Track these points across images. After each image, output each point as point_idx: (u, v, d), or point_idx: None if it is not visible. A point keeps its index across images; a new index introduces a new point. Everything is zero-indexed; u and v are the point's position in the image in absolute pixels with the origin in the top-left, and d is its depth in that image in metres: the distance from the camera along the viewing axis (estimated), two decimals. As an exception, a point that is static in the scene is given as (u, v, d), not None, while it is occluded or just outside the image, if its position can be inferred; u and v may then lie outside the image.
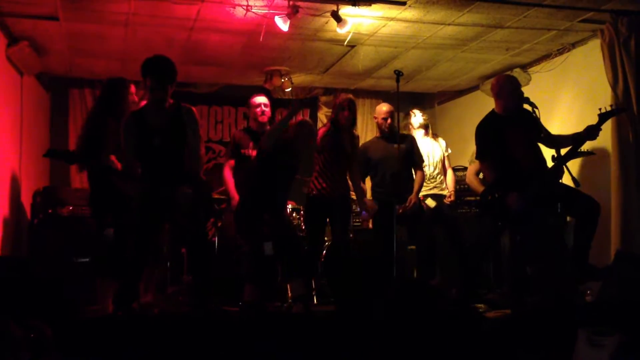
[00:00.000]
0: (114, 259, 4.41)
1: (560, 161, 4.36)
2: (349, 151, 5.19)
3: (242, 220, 4.80)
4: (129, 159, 4.26)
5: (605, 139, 5.25)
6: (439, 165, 5.90)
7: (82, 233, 5.38)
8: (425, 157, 5.77)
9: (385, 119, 5.45)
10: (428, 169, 5.82)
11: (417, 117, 5.99)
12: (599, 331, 1.78)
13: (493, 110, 4.78)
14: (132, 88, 4.79)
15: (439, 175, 5.88)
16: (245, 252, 4.91)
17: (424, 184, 5.76)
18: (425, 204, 5.73)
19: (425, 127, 5.97)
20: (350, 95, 5.28)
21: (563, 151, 4.46)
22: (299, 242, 5.14)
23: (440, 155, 5.94)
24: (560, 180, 4.44)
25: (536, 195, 4.37)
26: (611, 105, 4.79)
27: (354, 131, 5.35)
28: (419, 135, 5.91)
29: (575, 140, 4.46)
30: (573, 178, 4.27)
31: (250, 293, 4.75)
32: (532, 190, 4.38)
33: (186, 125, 4.18)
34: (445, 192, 5.84)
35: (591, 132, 4.46)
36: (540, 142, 4.68)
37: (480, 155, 4.80)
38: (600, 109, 4.52)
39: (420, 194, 5.73)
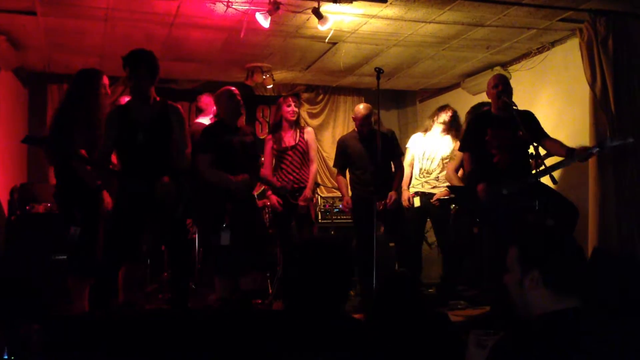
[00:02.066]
0: (84, 257, 4.29)
1: (543, 172, 4.40)
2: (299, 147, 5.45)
3: (204, 208, 4.73)
4: (104, 152, 4.20)
5: (583, 137, 5.32)
6: (441, 163, 5.77)
7: (60, 230, 5.32)
8: (424, 151, 5.79)
9: (362, 125, 5.38)
10: (425, 163, 5.78)
11: (443, 116, 5.89)
12: (487, 332, 1.85)
13: (489, 107, 4.86)
14: (105, 80, 4.60)
15: (436, 172, 5.76)
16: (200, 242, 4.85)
17: (417, 178, 5.78)
18: (412, 200, 5.75)
19: (445, 124, 5.85)
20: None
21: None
22: (262, 235, 5.07)
23: (446, 153, 5.79)
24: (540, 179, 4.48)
25: (507, 193, 4.43)
26: (616, 134, 4.82)
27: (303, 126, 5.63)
28: (437, 130, 5.87)
29: (567, 156, 4.45)
30: (551, 176, 4.30)
31: (223, 287, 4.69)
32: (504, 186, 4.44)
33: (172, 123, 4.16)
34: (436, 191, 5.71)
35: (585, 154, 4.41)
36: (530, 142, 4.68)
37: (462, 146, 4.91)
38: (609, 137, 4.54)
39: (412, 190, 5.76)
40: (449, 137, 5.85)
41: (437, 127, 5.86)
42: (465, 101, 7.24)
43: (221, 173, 4.61)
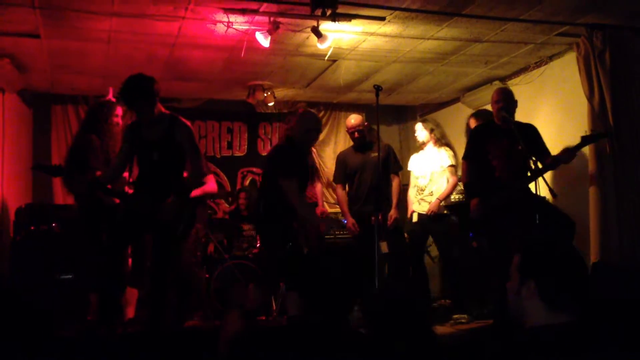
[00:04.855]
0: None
1: (532, 176, 4.45)
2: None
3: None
4: (114, 166, 4.34)
5: (583, 150, 5.34)
6: (434, 177, 5.83)
7: (65, 250, 5.37)
8: (419, 170, 5.82)
9: (352, 133, 5.56)
10: (420, 181, 5.84)
11: (418, 133, 5.99)
12: None
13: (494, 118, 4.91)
14: (119, 110, 4.91)
15: (429, 187, 5.82)
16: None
17: (415, 196, 5.81)
18: (412, 216, 5.80)
19: (433, 137, 5.94)
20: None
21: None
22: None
23: (438, 166, 5.86)
24: (538, 193, 4.51)
25: (502, 205, 4.46)
26: (592, 130, 4.92)
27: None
28: (429, 145, 5.95)
29: (551, 162, 4.57)
30: (550, 189, 4.34)
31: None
32: (497, 200, 4.48)
33: (182, 142, 4.15)
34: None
35: (568, 154, 4.51)
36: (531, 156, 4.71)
37: (464, 155, 4.97)
38: (585, 131, 4.59)
39: (413, 207, 5.79)
40: (438, 150, 5.93)
41: (430, 142, 5.95)
42: (465, 115, 7.25)
43: (312, 209, 4.65)
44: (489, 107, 5.36)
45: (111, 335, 4.20)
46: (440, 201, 5.74)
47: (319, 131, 4.79)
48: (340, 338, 2.07)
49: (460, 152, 6.00)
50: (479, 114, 6.17)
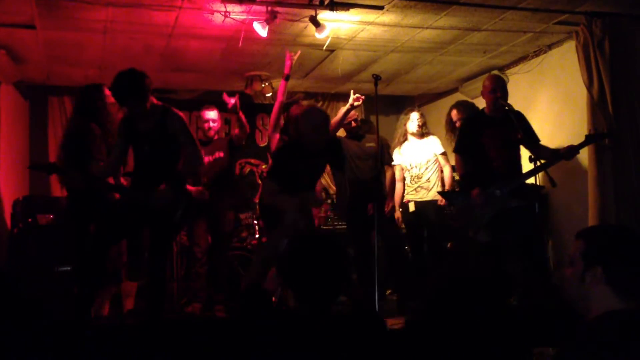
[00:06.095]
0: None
1: (532, 172, 4.44)
2: None
3: None
4: (110, 161, 4.31)
5: (582, 139, 5.33)
6: (430, 165, 5.76)
7: (63, 242, 5.34)
8: (410, 162, 5.78)
9: (348, 123, 5.49)
10: (414, 171, 5.79)
11: (416, 122, 5.82)
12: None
13: (483, 108, 4.84)
14: (107, 91, 4.71)
15: (426, 175, 5.74)
16: None
17: (409, 185, 5.78)
18: (407, 206, 5.78)
19: (419, 133, 5.83)
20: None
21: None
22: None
23: (432, 154, 5.78)
24: (537, 182, 4.50)
25: (500, 195, 4.45)
26: (596, 129, 4.97)
27: None
28: (414, 138, 5.86)
29: (553, 156, 4.53)
30: (550, 178, 4.32)
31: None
32: (496, 188, 4.47)
33: (176, 133, 4.12)
34: (431, 194, 5.69)
35: (571, 151, 4.50)
36: (522, 144, 4.69)
37: (456, 148, 4.91)
38: (590, 130, 4.65)
39: (407, 197, 5.77)
40: (426, 139, 5.85)
41: (412, 137, 5.84)
42: (464, 105, 7.25)
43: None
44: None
45: (111, 326, 4.20)
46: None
47: (327, 128, 4.59)
48: (328, 329, 2.05)
49: (444, 143, 6.00)
50: (461, 105, 6.12)
